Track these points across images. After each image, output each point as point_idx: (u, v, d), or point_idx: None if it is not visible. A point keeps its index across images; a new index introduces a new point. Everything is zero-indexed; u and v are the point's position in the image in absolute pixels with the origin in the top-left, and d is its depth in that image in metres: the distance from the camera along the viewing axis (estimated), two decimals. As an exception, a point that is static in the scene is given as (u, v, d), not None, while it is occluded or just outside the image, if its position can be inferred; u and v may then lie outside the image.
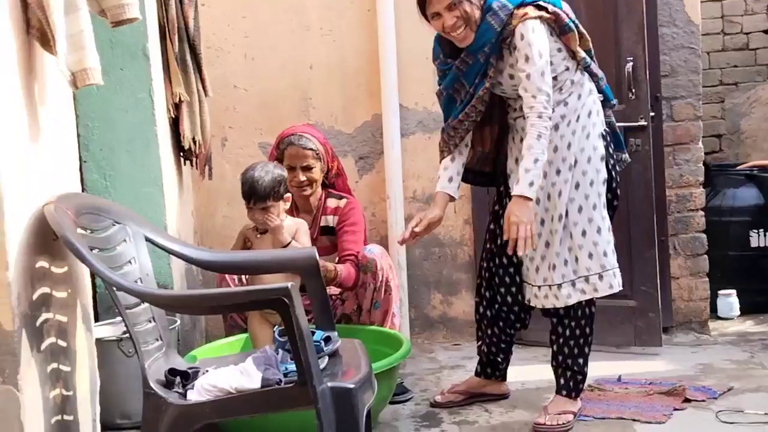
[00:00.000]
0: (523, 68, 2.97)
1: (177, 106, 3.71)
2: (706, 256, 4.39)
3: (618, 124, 3.91)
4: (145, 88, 3.51)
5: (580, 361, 3.21)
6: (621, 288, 3.17)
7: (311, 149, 3.58)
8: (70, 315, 2.34)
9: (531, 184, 2.94)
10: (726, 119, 5.75)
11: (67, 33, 2.19)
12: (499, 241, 3.26)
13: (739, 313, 4.67)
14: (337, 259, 3.61)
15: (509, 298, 3.33)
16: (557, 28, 3.05)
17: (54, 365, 2.22)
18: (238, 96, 4.46)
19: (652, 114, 4.06)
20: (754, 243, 4.72)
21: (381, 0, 4.29)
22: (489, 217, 3.42)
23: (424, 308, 4.53)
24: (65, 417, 2.26)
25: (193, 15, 3.77)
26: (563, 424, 3.12)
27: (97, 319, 3.39)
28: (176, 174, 3.86)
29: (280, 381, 2.20)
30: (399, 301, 3.70)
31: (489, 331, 3.43)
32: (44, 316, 2.17)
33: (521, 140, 3.08)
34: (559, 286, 3.12)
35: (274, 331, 2.44)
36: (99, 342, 2.93)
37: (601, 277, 3.10)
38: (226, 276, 3.44)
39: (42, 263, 2.18)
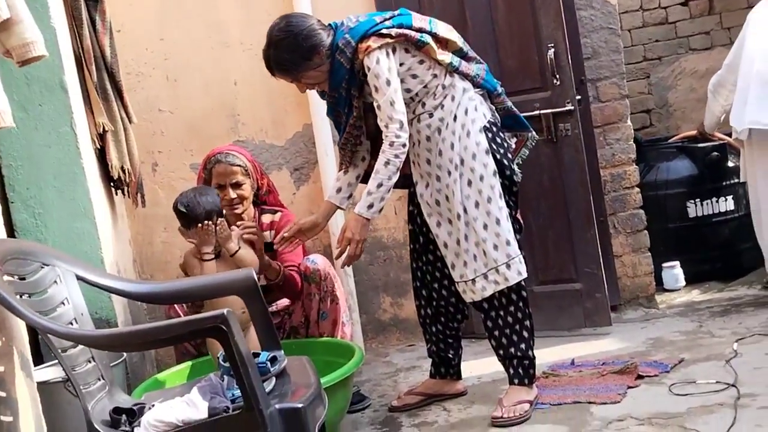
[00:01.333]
0: (375, 99, 3.09)
1: (102, 136, 3.66)
2: (646, 231, 4.43)
3: (545, 111, 4.02)
4: (66, 122, 3.46)
5: (522, 346, 3.24)
6: (526, 274, 3.21)
7: (239, 165, 3.55)
8: (6, 364, 2.28)
9: (370, 206, 3.09)
10: (653, 94, 5.83)
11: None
12: (421, 239, 3.39)
13: (684, 283, 4.74)
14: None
15: (444, 292, 3.40)
16: (411, 44, 3.11)
17: (-6, 417, 2.16)
18: (164, 119, 4.41)
19: (578, 97, 4.09)
20: (692, 213, 4.78)
21: (298, 10, 4.25)
22: (406, 219, 3.48)
23: (375, 312, 4.52)
24: (11, 468, 2.20)
25: (108, 42, 3.71)
26: (520, 415, 3.13)
27: (42, 361, 3.33)
28: (108, 205, 3.80)
29: (228, 408, 2.16)
30: (348, 309, 3.67)
31: (434, 329, 3.47)
32: (-22, 368, 2.11)
33: (418, 143, 3.21)
34: (473, 281, 3.18)
35: (218, 358, 2.41)
36: (45, 385, 2.88)
37: (508, 266, 3.15)
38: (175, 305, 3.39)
39: (-30, 315, 2.12)
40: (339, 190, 3.32)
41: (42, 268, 2.36)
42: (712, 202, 4.76)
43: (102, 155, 3.69)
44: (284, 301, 3.62)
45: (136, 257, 4.31)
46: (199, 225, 3.18)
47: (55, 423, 2.60)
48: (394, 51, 3.09)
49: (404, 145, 3.07)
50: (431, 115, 3.17)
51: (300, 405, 2.12)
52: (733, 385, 3.12)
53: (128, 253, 4.15)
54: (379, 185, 3.07)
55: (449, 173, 3.16)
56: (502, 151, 3.21)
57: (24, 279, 2.29)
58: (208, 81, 4.40)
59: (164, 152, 4.41)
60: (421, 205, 3.29)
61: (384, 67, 3.04)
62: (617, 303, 4.37)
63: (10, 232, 3.38)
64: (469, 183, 3.15)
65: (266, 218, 3.65)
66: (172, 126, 4.41)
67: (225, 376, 2.31)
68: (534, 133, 3.42)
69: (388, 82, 3.04)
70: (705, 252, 4.77)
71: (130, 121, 3.81)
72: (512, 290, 3.20)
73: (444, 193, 3.19)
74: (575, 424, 3.03)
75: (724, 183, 4.77)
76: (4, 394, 2.23)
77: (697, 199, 4.77)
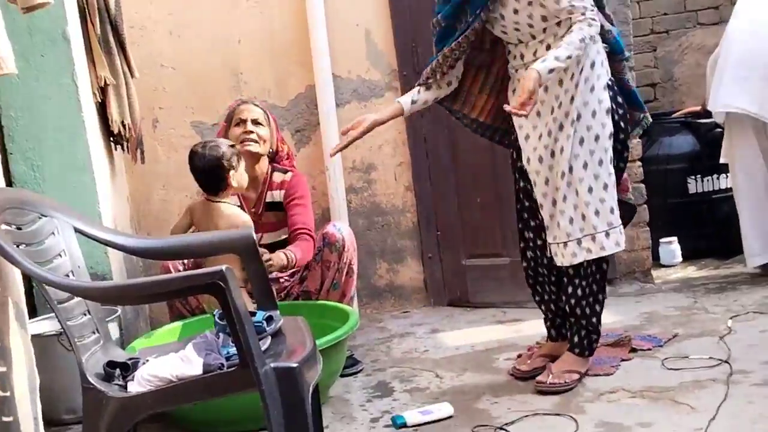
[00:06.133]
0: None
1: (103, 90, 3.62)
2: (646, 205, 4.42)
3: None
4: (67, 74, 3.43)
5: (594, 319, 3.14)
6: (624, 245, 3.09)
7: (261, 110, 3.65)
8: (2, 315, 2.27)
9: (551, 70, 2.84)
10: (659, 68, 5.78)
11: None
12: (526, 202, 3.20)
13: (681, 259, 4.74)
14: (285, 236, 3.59)
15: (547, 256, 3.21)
16: None
17: (-12, 366, 2.16)
18: (167, 75, 4.36)
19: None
20: (692, 189, 4.77)
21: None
22: (514, 177, 3.27)
23: (371, 278, 4.51)
24: (3, 418, 2.20)
25: (113, -6, 3.67)
26: (566, 383, 3.06)
27: (35, 315, 3.33)
28: (107, 160, 3.78)
29: (222, 365, 2.16)
30: (356, 287, 3.68)
31: (548, 289, 3.27)
32: (-27, 317, 2.10)
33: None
34: (565, 244, 3.04)
35: (213, 315, 2.40)
36: (38, 338, 2.87)
37: (608, 234, 3.01)
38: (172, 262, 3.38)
39: (-34, 263, 2.11)
40: (414, 102, 3.17)
41: (40, 218, 2.34)
42: (712, 179, 4.75)
43: (102, 109, 3.66)
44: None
45: (133, 214, 4.29)
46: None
47: (48, 376, 2.60)
48: None
49: (598, 31, 2.92)
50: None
51: (295, 365, 2.12)
52: (726, 362, 3.12)
53: (126, 210, 4.14)
54: (569, 57, 2.84)
55: (561, 127, 3.00)
56: (621, 112, 3.06)
57: (21, 229, 2.27)
58: (212, 38, 4.35)
59: (165, 108, 4.37)
60: (523, 159, 3.12)
61: None
62: (613, 276, 4.36)
63: (9, 183, 3.36)
64: (581, 141, 2.98)
65: (277, 177, 3.66)
66: (174, 82, 4.37)
67: (221, 334, 2.31)
68: (648, 115, 3.27)
69: None
70: (703, 229, 4.76)
71: (132, 76, 3.78)
72: (602, 260, 3.08)
73: (551, 148, 3.02)
74: (567, 395, 3.03)
75: (725, 160, 4.74)
76: (-2, 344, 2.23)
77: (698, 175, 4.76)
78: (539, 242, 3.19)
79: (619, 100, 3.07)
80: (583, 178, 3.00)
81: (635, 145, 4.37)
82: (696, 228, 4.77)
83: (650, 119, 3.30)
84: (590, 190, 3.00)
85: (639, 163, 4.40)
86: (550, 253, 3.13)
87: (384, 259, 4.51)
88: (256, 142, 3.56)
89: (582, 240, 3.02)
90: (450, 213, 4.41)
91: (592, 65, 2.99)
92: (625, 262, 4.42)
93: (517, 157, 3.21)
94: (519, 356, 3.40)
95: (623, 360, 3.30)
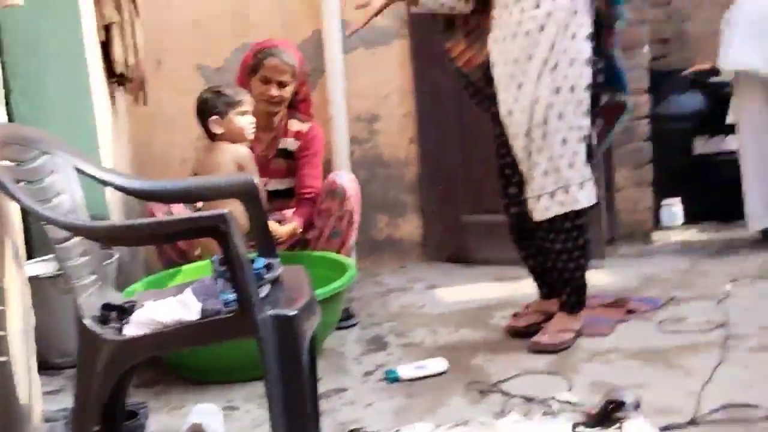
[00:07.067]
0: None
1: (107, 29, 3.58)
2: (650, 165, 4.37)
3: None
4: (72, 10, 3.37)
5: (578, 274, 3.10)
6: (595, 200, 3.05)
7: (291, 65, 3.52)
8: (-1, 253, 2.26)
9: None
10: (672, 23, 5.67)
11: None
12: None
13: (682, 221, 4.70)
14: (291, 185, 3.59)
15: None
16: None
17: (-16, 305, 2.15)
18: (171, 16, 4.29)
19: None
20: (697, 150, 4.70)
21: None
22: (494, 132, 3.19)
23: (370, 231, 4.48)
24: (1, 358, 2.20)
25: (119, -70, 3.60)
26: (560, 342, 3.06)
27: (31, 257, 3.31)
28: (109, 101, 3.74)
29: (220, 311, 2.15)
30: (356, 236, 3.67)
31: (534, 244, 3.22)
32: (-31, 254, 2.09)
33: (513, 37, 2.95)
34: (538, 197, 2.99)
35: (212, 260, 2.39)
36: (34, 280, 2.86)
37: (581, 186, 2.96)
38: (158, 208, 3.37)
39: (-36, 199, 2.09)
40: None
41: (41, 156, 2.31)
42: (719, 140, 4.67)
43: (106, 48, 3.61)
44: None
45: (134, 158, 4.26)
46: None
47: (43, 318, 2.58)
48: None
49: None
50: (538, 6, 2.91)
51: (293, 312, 2.11)
52: (722, 326, 3.13)
53: (126, 153, 4.11)
54: None
55: (539, 76, 2.92)
56: (599, 64, 2.98)
57: (22, 165, 2.24)
58: (219, -22, 4.28)
59: (169, 50, 4.31)
60: (503, 111, 3.05)
61: None
62: (613, 237, 4.35)
63: (9, 120, 3.32)
64: (557, 91, 2.91)
65: (294, 125, 3.62)
66: (179, 24, 4.30)
67: (219, 280, 2.29)
68: (630, 103, 3.18)
69: None
70: (706, 191, 4.69)
71: (137, 15, 3.73)
72: (578, 214, 3.00)
73: (530, 99, 2.94)
74: (562, 354, 3.04)
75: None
76: (-6, 282, 2.21)
77: (705, 135, 4.68)
78: (521, 197, 3.12)
79: (597, 51, 2.97)
80: (558, 128, 2.93)
81: (643, 102, 4.31)
82: (699, 190, 4.69)
83: (632, 108, 3.22)
84: (564, 141, 2.94)
85: (646, 121, 4.34)
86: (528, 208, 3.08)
87: (384, 212, 4.49)
88: (279, 104, 3.54)
89: (555, 193, 2.97)
90: (453, 167, 4.37)
91: (575, 12, 2.91)
92: (626, 223, 4.40)
93: (496, 110, 3.12)
94: (515, 315, 3.39)
95: (619, 321, 3.31)
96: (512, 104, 3.00)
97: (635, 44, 4.29)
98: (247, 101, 3.35)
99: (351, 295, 3.87)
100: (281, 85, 3.51)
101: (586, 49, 2.93)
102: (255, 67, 3.52)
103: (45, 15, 3.34)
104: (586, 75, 2.93)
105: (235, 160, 3.28)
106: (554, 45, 2.91)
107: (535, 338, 3.09)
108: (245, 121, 3.33)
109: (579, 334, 3.13)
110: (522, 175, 3.08)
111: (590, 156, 3.01)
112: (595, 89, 2.99)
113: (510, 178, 3.16)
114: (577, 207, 2.98)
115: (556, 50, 2.91)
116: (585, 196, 2.98)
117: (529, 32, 2.93)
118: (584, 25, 2.93)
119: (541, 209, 3.00)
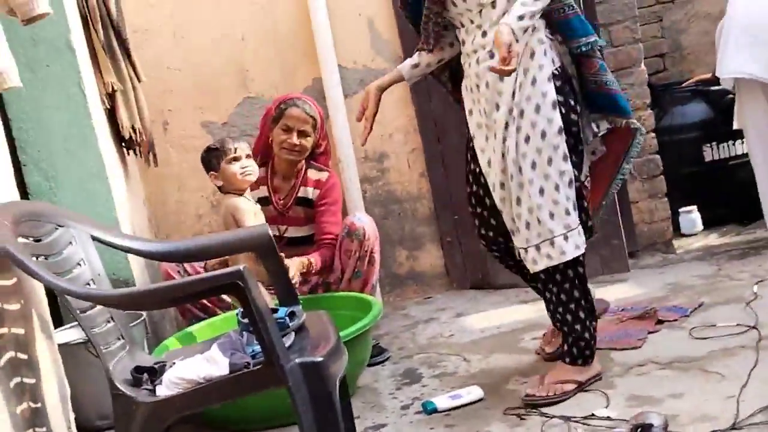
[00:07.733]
0: None
1: (111, 96, 3.62)
2: (662, 176, 4.39)
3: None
4: (74, 82, 3.42)
5: (578, 327, 2.89)
6: (584, 248, 2.85)
7: (312, 117, 3.60)
8: (26, 326, 2.27)
9: (520, 17, 2.63)
10: (666, 37, 5.72)
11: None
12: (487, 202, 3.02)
13: (702, 228, 4.70)
14: (311, 232, 3.64)
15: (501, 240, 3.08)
16: None
17: (17, 379, 2.16)
18: (173, 77, 4.36)
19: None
20: (708, 157, 4.73)
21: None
22: (465, 159, 3.07)
23: (392, 266, 4.50)
24: (37, 429, 2.21)
25: (113, 0, 3.66)
26: (554, 395, 2.83)
27: (62, 323, 3.34)
28: (121, 165, 3.78)
29: (248, 364, 2.16)
30: (378, 276, 3.69)
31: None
32: (-1, 331, 2.11)
33: (477, 88, 2.87)
34: (525, 250, 2.85)
35: (236, 314, 2.40)
36: (66, 346, 2.88)
37: (566, 237, 2.78)
38: (172, 267, 3.45)
39: (-13, 279, 2.11)
40: (416, 66, 3.05)
41: (56, 229, 2.34)
42: (728, 145, 4.70)
43: (112, 115, 3.66)
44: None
45: (151, 218, 4.30)
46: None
47: (79, 384, 2.61)
48: None
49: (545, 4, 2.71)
50: (492, 56, 2.76)
51: (320, 359, 2.12)
52: (754, 327, 3.10)
53: (143, 214, 4.14)
54: (534, 2, 2.64)
55: (506, 126, 2.79)
56: (571, 103, 2.82)
57: (39, 240, 2.28)
58: (216, 37, 4.34)
59: (174, 111, 4.37)
60: (479, 161, 2.94)
61: None
62: (635, 249, 4.34)
63: (24, 195, 3.37)
64: (527, 139, 2.76)
65: (313, 174, 3.68)
66: (182, 84, 4.36)
67: (244, 333, 2.30)
68: (640, 125, 2.96)
69: None
70: (722, 196, 4.71)
71: (139, 80, 3.77)
72: (568, 265, 2.83)
73: (500, 151, 2.81)
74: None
75: (740, 126, 4.69)
76: (25, 357, 2.23)
77: (713, 143, 4.71)
78: (494, 222, 3.01)
79: (567, 89, 2.82)
80: (532, 179, 2.77)
81: (647, 117, 4.34)
82: (715, 195, 4.71)
83: (644, 130, 3.03)
84: (541, 191, 2.77)
85: (653, 134, 4.37)
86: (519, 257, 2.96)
87: (403, 246, 4.50)
88: (300, 153, 3.60)
89: (540, 246, 2.81)
90: (465, 197, 4.36)
91: (532, 55, 2.77)
92: (646, 234, 4.40)
93: (471, 159, 3.03)
94: (544, 335, 3.36)
95: (650, 332, 3.28)
96: (491, 155, 2.88)
97: (632, 63, 4.34)
98: (240, 147, 3.32)
99: (379, 330, 3.87)
100: (302, 134, 3.58)
101: (549, 90, 2.77)
102: (277, 116, 3.61)
103: (49, 89, 3.39)
104: (555, 119, 2.77)
105: (228, 213, 3.28)
106: (514, 93, 2.78)
107: (530, 390, 2.89)
108: (236, 167, 3.30)
109: (582, 385, 2.89)
110: (488, 208, 3.01)
111: (581, 196, 2.88)
112: (572, 128, 2.83)
113: (483, 200, 3.03)
114: (565, 259, 2.81)
115: (519, 98, 2.77)
116: (571, 248, 2.80)
117: (489, 83, 2.82)
118: (544, 65, 2.78)
119: (531, 262, 2.86)
